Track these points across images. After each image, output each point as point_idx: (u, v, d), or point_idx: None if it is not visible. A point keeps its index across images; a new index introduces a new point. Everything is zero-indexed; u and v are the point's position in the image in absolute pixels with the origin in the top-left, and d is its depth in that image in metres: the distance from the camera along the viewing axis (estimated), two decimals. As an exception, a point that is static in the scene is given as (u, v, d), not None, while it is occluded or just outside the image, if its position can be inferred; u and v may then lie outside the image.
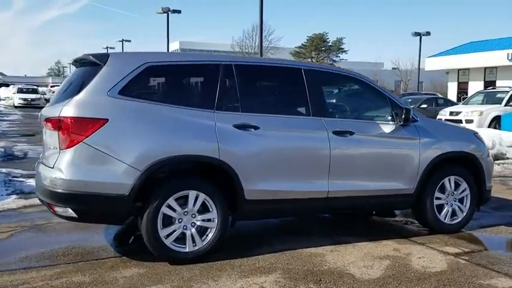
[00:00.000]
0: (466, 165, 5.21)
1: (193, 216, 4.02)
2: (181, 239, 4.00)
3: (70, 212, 3.78)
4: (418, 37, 39.07)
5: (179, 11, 36.47)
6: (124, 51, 53.61)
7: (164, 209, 3.91)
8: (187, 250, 4.00)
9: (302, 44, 56.78)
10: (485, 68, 35.11)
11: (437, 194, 5.04)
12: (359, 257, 4.28)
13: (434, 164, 4.93)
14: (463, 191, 5.17)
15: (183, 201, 3.99)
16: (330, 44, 56.62)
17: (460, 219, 5.17)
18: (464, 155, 5.18)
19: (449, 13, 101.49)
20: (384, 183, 4.76)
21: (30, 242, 4.65)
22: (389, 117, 4.83)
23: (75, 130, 3.73)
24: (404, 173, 4.84)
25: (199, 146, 4.01)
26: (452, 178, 5.10)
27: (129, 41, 55.70)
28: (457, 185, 5.15)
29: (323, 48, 55.71)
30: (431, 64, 39.38)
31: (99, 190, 3.74)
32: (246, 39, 48.68)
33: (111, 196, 3.75)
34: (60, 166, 3.75)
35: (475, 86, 35.14)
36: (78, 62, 4.38)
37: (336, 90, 5.40)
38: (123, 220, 4.03)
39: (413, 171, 4.86)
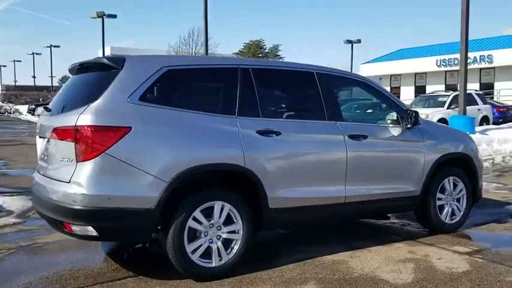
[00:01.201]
0: (462, 165, 5.37)
1: (218, 228, 3.79)
2: (206, 253, 3.76)
3: (90, 230, 3.42)
4: (350, 44, 40.84)
5: (115, 16, 35.34)
6: (51, 58, 51.20)
7: (190, 222, 3.65)
8: (214, 265, 3.76)
9: (239, 51, 57.09)
10: (415, 74, 37.12)
11: (438, 195, 5.15)
12: (382, 262, 4.24)
13: (437, 165, 5.03)
14: (460, 190, 5.32)
15: (207, 213, 3.75)
16: (266, 50, 57.43)
17: (458, 218, 5.32)
18: (462, 156, 5.33)
19: (378, 22, 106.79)
20: (395, 186, 4.79)
21: (26, 266, 4.17)
22: (396, 120, 4.85)
23: (96, 140, 3.38)
24: (412, 175, 4.89)
25: (225, 154, 3.79)
26: (451, 179, 5.24)
27: (58, 46, 53.35)
28: (454, 185, 5.29)
29: (260, 55, 56.33)
30: (366, 70, 41.00)
31: (123, 205, 3.41)
32: (182, 45, 47.97)
33: (137, 211, 3.45)
34: (79, 180, 3.38)
35: (407, 91, 37.10)
36: (84, 67, 4.01)
37: (346, 94, 5.37)
38: (147, 237, 3.72)
39: (419, 173, 4.93)
